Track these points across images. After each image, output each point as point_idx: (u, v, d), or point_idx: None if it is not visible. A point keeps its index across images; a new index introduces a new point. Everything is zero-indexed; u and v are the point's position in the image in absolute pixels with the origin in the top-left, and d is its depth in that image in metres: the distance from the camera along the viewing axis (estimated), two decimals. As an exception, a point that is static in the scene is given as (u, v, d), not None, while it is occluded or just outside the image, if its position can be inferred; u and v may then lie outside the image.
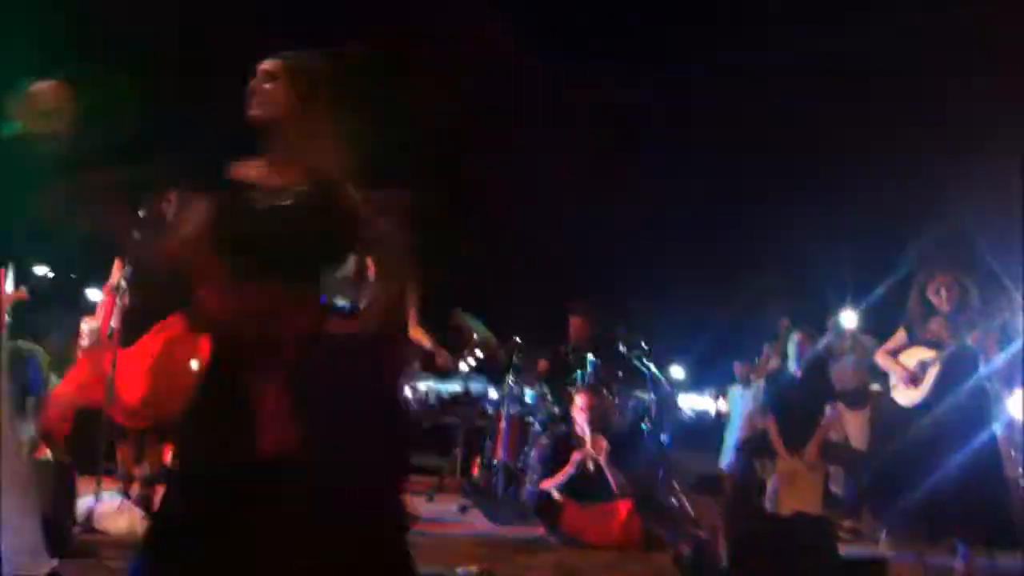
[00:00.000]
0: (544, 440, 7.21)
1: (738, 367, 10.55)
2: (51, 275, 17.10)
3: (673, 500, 7.69)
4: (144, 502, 5.64)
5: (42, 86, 2.68)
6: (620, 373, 8.16)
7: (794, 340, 7.54)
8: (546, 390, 8.25)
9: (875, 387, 8.57)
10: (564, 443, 6.83)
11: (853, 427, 8.61)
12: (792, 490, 7.06)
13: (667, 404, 8.65)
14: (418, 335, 6.52)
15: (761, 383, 8.73)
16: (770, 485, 7.24)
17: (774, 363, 9.16)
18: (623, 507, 6.17)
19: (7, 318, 6.48)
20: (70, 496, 4.77)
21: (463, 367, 9.74)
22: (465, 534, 6.28)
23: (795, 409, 7.32)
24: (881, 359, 6.29)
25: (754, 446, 7.73)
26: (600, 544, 5.94)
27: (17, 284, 9.73)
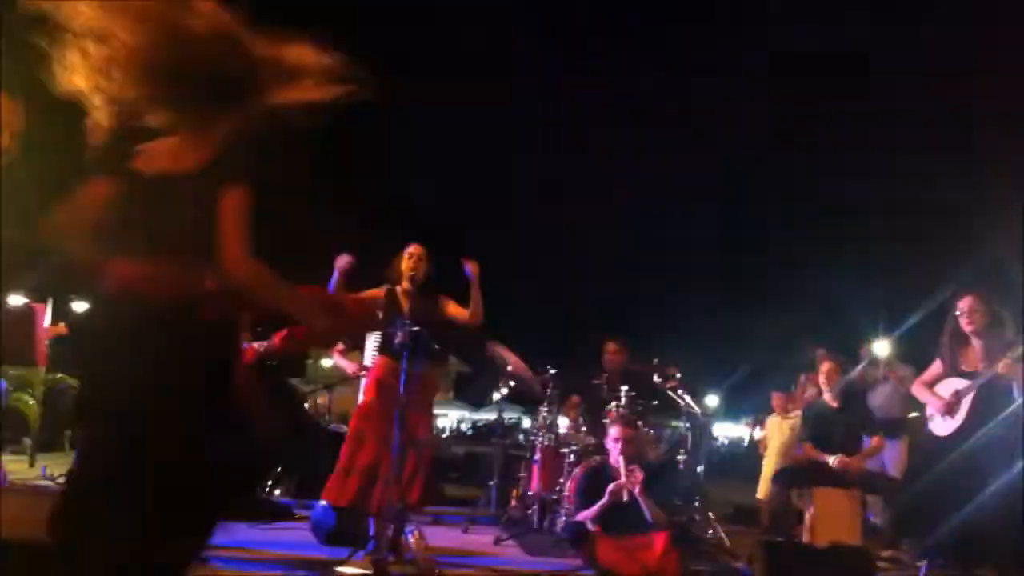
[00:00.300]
0: (578, 471, 7.18)
1: (775, 397, 10.49)
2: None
3: (710, 531, 7.63)
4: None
5: None
6: (654, 403, 8.15)
7: (823, 370, 7.56)
8: (580, 421, 8.25)
9: (913, 415, 8.51)
10: (599, 474, 6.80)
11: (890, 456, 8.54)
12: (830, 520, 6.99)
13: (702, 434, 8.61)
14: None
15: (799, 413, 8.68)
16: (808, 515, 7.18)
17: (811, 393, 9.11)
18: (659, 539, 6.13)
19: (47, 351, 6.58)
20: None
21: (496, 397, 9.75)
22: (501, 565, 6.26)
23: (833, 438, 7.29)
24: (917, 390, 6.25)
25: (792, 476, 7.67)
26: (634, 576, 5.90)
27: (56, 319, 9.88)
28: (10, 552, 4.40)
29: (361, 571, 5.43)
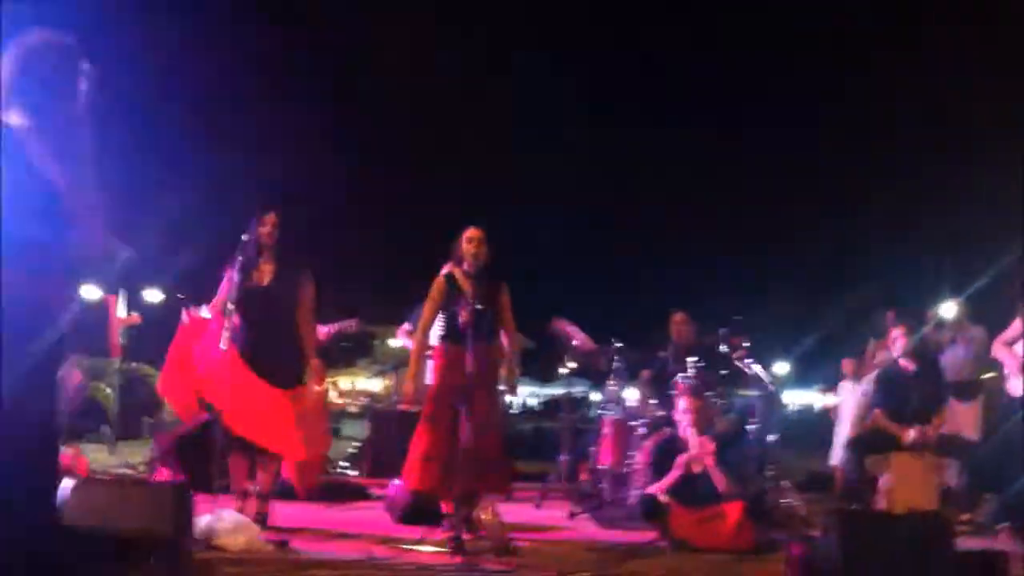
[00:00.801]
0: (649, 444, 7.17)
1: (847, 363, 10.36)
2: (162, 297, 17.60)
3: (783, 500, 7.58)
4: (260, 518, 5.79)
5: None
6: (723, 373, 8.09)
7: (894, 334, 7.46)
8: (648, 393, 8.22)
9: (989, 375, 8.36)
10: (669, 446, 6.79)
11: (965, 418, 8.40)
12: (906, 486, 6.91)
13: (772, 402, 8.53)
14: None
15: (871, 378, 8.56)
16: (883, 482, 7.10)
17: (881, 358, 8.99)
18: (733, 510, 6.11)
19: (122, 341, 6.72)
20: (188, 515, 4.90)
21: (563, 371, 9.76)
22: (574, 540, 6.29)
23: (909, 403, 7.19)
24: (997, 350, 6.13)
25: (865, 443, 7.59)
26: (711, 548, 5.89)
27: (130, 309, 10.07)
28: (97, 541, 4.52)
29: (437, 549, 5.49)
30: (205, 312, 6.21)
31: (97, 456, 10.27)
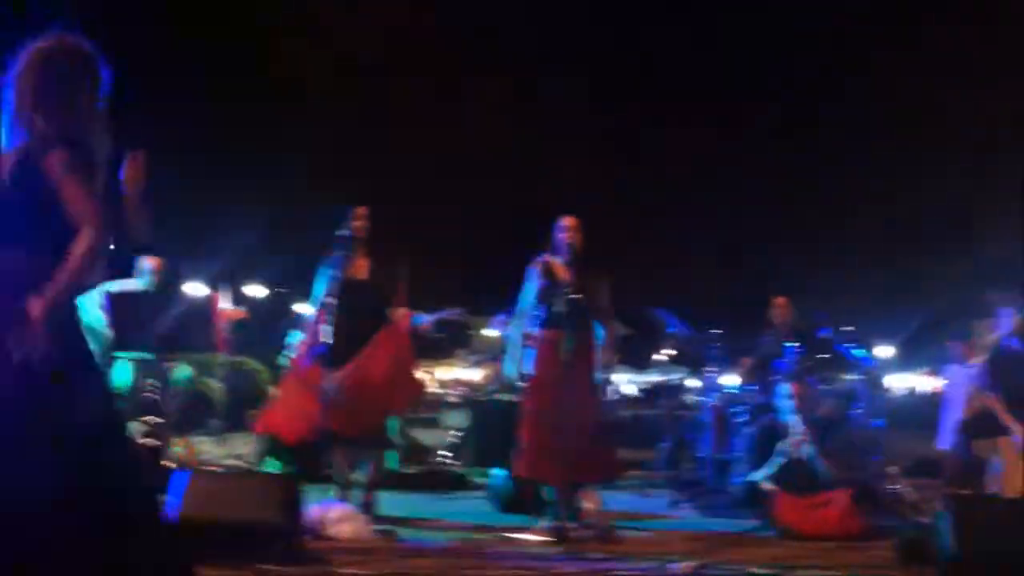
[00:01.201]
0: (751, 430, 7.10)
1: (954, 346, 10.09)
2: (265, 292, 18.00)
3: (891, 485, 7.43)
4: (366, 508, 5.88)
5: None
6: (824, 358, 7.96)
7: (1003, 314, 7.24)
8: (749, 380, 8.13)
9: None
10: (772, 433, 6.71)
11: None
12: (1018, 470, 6.71)
13: (875, 386, 8.37)
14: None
15: (981, 361, 8.32)
16: (995, 466, 6.91)
17: (988, 339, 8.74)
18: (839, 496, 6.01)
19: (227, 335, 6.88)
20: (298, 505, 5.01)
21: (661, 358, 9.72)
22: (677, 528, 6.26)
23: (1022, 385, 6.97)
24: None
25: (975, 426, 7.39)
26: (817, 535, 5.80)
27: (235, 303, 10.30)
28: (212, 529, 4.65)
29: (541, 538, 5.52)
30: (308, 307, 6.31)
31: (206, 448, 10.56)
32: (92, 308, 7.64)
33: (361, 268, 6.16)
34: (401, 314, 6.25)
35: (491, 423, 9.27)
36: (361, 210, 6.21)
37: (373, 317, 6.08)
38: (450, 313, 8.25)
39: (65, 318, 2.88)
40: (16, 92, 2.99)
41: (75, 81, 3.04)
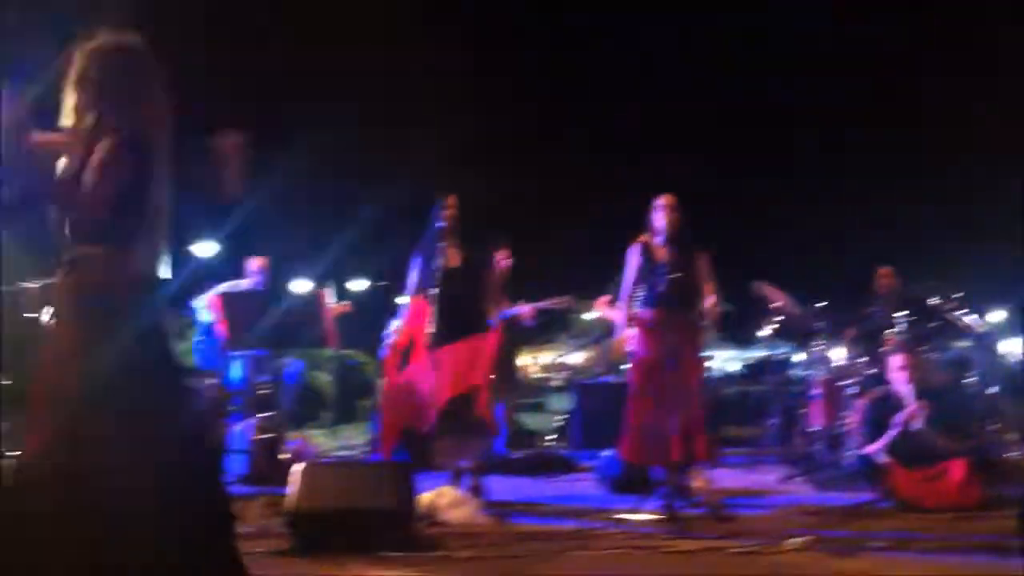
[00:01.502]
0: (862, 403, 6.98)
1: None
2: (368, 285, 18.32)
3: (1009, 454, 7.24)
4: (474, 493, 5.95)
5: None
6: (935, 326, 7.77)
7: None
8: (857, 352, 7.99)
9: None
10: (884, 405, 6.59)
11: None
12: None
13: (988, 353, 8.16)
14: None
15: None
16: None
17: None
18: (957, 467, 5.88)
19: (335, 330, 7.01)
20: (412, 492, 5.10)
21: (766, 333, 9.62)
22: (790, 504, 6.20)
23: None
24: None
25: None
26: (935, 507, 5.69)
27: (340, 298, 10.51)
28: (329, 519, 4.79)
29: (652, 518, 5.52)
30: (403, 298, 6.37)
31: (319, 440, 10.82)
32: (203, 309, 7.93)
33: (454, 257, 6.17)
34: (498, 306, 6.30)
35: (597, 405, 9.31)
36: (451, 199, 6.21)
37: (469, 306, 6.11)
38: (556, 303, 8.30)
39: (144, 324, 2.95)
40: (82, 88, 3.06)
41: (138, 77, 3.10)
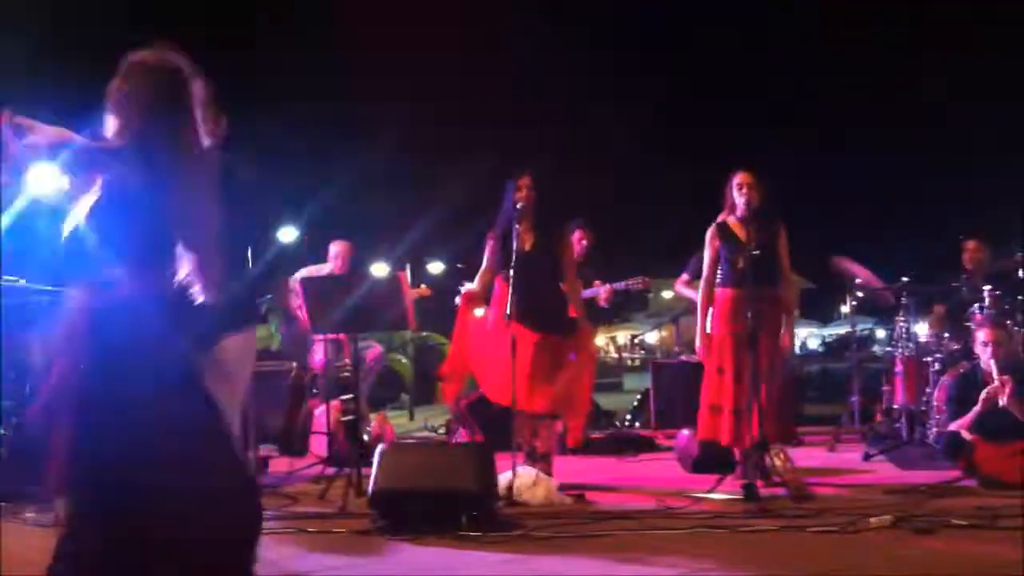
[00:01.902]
0: (947, 379, 6.86)
1: None
2: (443, 268, 18.47)
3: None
4: (546, 470, 5.95)
5: None
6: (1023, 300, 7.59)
7: None
8: (942, 327, 7.84)
9: None
10: (969, 381, 6.47)
11: None
12: None
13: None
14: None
15: None
16: None
17: None
18: (1043, 443, 5.76)
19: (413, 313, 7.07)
20: (491, 472, 5.15)
21: (844, 309, 9.46)
22: (872, 482, 6.13)
23: None
24: None
25: None
26: (1021, 483, 5.57)
27: (416, 282, 10.61)
28: (411, 500, 4.87)
29: (731, 497, 5.51)
30: (469, 284, 6.37)
31: (399, 422, 10.96)
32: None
33: (526, 239, 6.09)
34: (575, 287, 6.26)
35: (674, 384, 9.27)
36: (524, 180, 6.09)
37: (544, 288, 6.04)
38: (633, 283, 8.27)
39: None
40: (120, 104, 3.08)
41: (176, 93, 3.11)
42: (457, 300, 6.43)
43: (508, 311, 5.69)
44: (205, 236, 3.00)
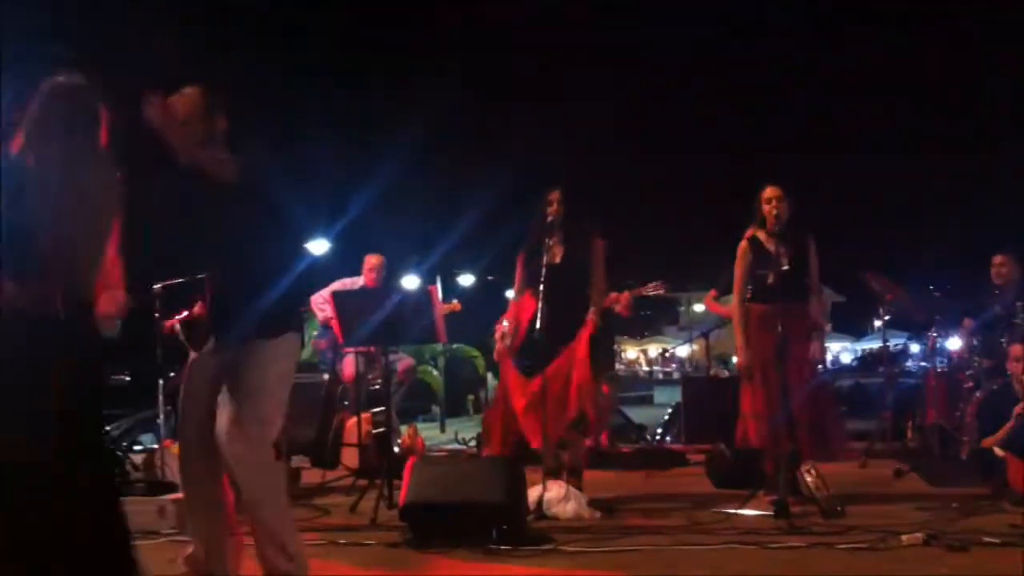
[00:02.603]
0: (979, 396, 6.82)
1: None
2: (473, 280, 18.53)
3: None
4: (576, 485, 5.96)
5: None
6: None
7: None
8: (974, 343, 7.79)
9: None
10: (1002, 397, 6.43)
11: None
12: None
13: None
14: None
15: None
16: None
17: None
18: (1077, 461, 5.70)
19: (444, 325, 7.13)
20: (521, 486, 5.18)
21: (877, 324, 9.44)
22: (903, 499, 6.09)
23: None
24: None
25: None
26: (1056, 502, 5.53)
27: (447, 296, 10.67)
28: (440, 512, 4.90)
29: (761, 513, 5.50)
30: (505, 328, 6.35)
31: (430, 434, 11.01)
32: (316, 307, 8.15)
33: (558, 253, 6.09)
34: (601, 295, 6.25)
35: (705, 398, 9.25)
36: (554, 194, 6.11)
37: (575, 302, 6.03)
38: (650, 288, 8.23)
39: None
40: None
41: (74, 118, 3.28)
42: (495, 353, 6.44)
43: (539, 325, 5.72)
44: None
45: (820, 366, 6.51)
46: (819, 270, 6.27)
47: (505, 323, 6.38)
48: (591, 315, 6.02)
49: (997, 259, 8.00)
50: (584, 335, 5.94)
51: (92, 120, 3.31)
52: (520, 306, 6.20)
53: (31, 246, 3.07)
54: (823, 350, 6.43)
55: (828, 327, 6.76)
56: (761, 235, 6.21)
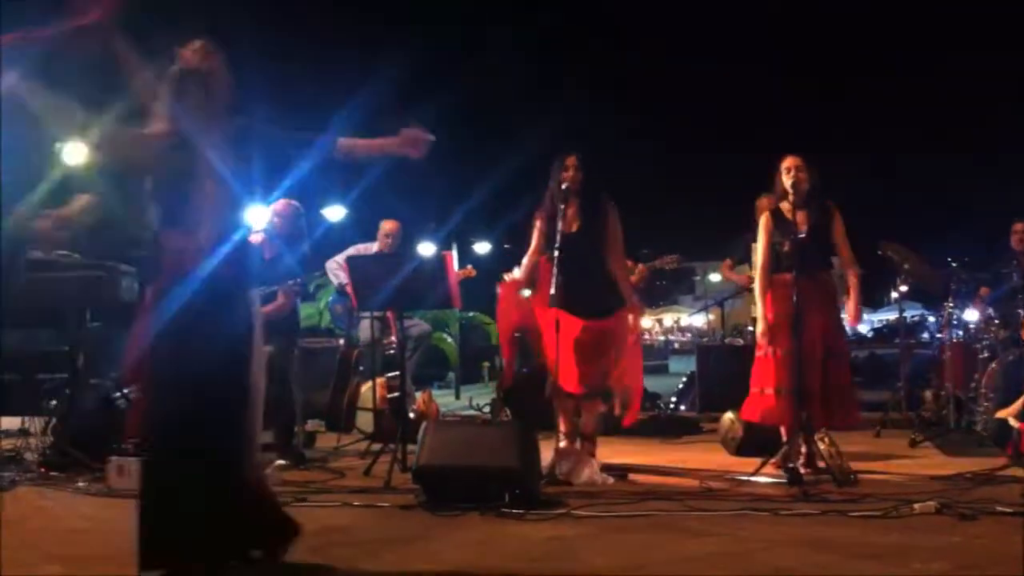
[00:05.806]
0: (995, 366, 6.79)
1: None
2: (490, 248, 18.51)
3: None
4: (589, 451, 5.97)
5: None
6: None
7: None
8: (991, 313, 7.75)
9: None
10: (1018, 368, 6.41)
11: None
12: None
13: None
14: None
15: None
16: None
17: None
18: (1093, 431, 5.69)
19: (459, 292, 7.14)
20: (534, 451, 5.19)
21: (894, 295, 9.41)
22: (918, 469, 6.08)
23: None
24: None
25: None
26: (1071, 472, 5.51)
27: (463, 262, 10.67)
28: (454, 476, 4.92)
29: (774, 480, 5.51)
30: (516, 272, 6.33)
31: (444, 400, 11.05)
32: (333, 272, 8.18)
33: (572, 219, 6.05)
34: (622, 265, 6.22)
35: (720, 368, 9.25)
36: (571, 160, 6.03)
37: (590, 270, 5.97)
38: (664, 260, 8.21)
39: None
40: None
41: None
42: (498, 289, 6.41)
43: (553, 292, 5.70)
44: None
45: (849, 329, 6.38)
46: (844, 240, 6.15)
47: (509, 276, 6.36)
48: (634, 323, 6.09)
49: (1019, 226, 7.96)
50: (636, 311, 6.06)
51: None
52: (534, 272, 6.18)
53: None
54: (857, 312, 6.28)
55: (843, 298, 6.63)
56: (784, 206, 6.14)
